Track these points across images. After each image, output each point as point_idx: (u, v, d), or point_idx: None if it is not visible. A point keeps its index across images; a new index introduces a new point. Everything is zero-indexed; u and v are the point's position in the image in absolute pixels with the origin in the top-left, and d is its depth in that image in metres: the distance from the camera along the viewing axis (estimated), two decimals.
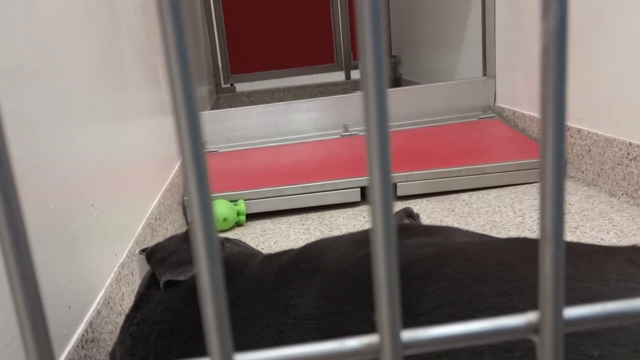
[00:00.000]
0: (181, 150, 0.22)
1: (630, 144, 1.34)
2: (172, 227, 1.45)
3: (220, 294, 0.22)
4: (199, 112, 0.21)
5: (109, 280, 0.96)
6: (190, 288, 0.72)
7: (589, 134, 1.51)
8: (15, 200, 0.22)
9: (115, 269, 1.00)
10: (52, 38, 0.86)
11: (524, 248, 0.61)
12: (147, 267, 0.85)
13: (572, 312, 0.20)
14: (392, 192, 0.22)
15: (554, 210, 0.18)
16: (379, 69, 0.20)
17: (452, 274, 0.58)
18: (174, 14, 0.19)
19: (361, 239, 0.71)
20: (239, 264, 0.74)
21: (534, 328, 0.20)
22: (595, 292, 0.52)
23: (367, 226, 1.43)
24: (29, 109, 0.75)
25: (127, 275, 1.05)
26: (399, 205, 1.56)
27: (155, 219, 1.29)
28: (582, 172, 1.55)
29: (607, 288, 0.52)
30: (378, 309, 0.19)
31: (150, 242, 1.22)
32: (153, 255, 0.81)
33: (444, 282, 0.57)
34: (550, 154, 0.18)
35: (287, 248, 1.37)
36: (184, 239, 0.84)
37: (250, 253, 0.81)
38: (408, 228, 0.85)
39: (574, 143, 1.57)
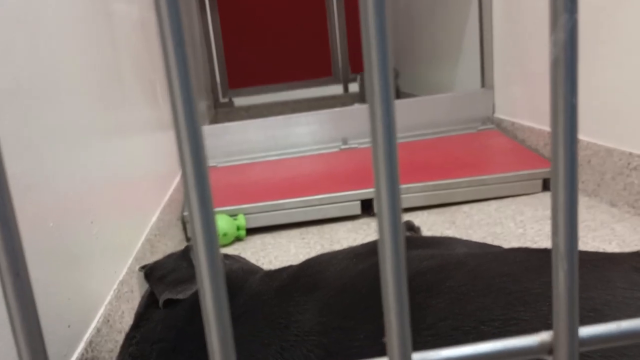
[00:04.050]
0: (183, 167, 0.21)
1: (630, 154, 1.33)
2: (172, 242, 1.44)
3: (224, 312, 0.21)
4: (201, 128, 0.21)
5: (108, 298, 0.95)
6: (190, 306, 0.71)
7: (588, 144, 1.51)
8: (14, 223, 0.22)
9: (115, 286, 0.99)
10: (52, 57, 0.86)
11: (527, 258, 0.60)
12: (147, 285, 0.84)
13: (586, 331, 0.19)
14: (400, 205, 0.21)
15: (567, 226, 0.18)
16: (386, 82, 0.19)
17: (455, 286, 0.57)
18: (174, 31, 0.19)
19: (361, 253, 0.71)
20: (238, 281, 0.73)
21: (548, 348, 0.19)
22: (601, 301, 0.51)
23: (368, 239, 1.43)
24: (29, 127, 0.75)
25: (126, 292, 1.04)
26: None
27: (155, 235, 1.28)
28: (583, 183, 1.54)
29: (613, 297, 0.52)
30: (387, 332, 0.19)
31: (150, 259, 1.21)
32: (151, 273, 0.81)
33: (446, 295, 0.56)
34: (562, 169, 0.17)
35: (287, 262, 1.37)
36: (183, 256, 0.83)
37: (250, 269, 0.81)
38: (408, 240, 0.84)
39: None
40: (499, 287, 0.54)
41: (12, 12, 0.75)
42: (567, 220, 0.18)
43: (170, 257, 0.85)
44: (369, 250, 0.70)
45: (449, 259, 0.62)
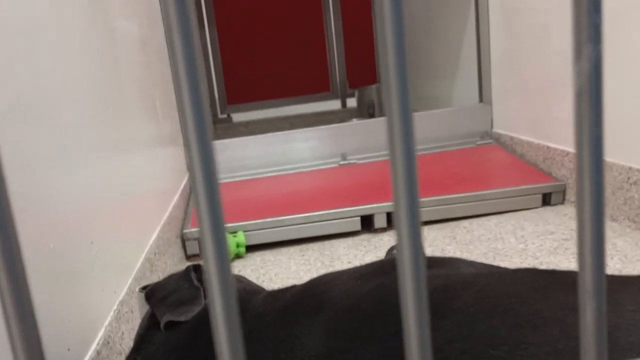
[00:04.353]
0: (194, 183, 0.21)
1: (630, 169, 1.33)
2: (171, 260, 1.43)
3: (237, 335, 0.21)
4: (212, 143, 0.20)
5: (108, 319, 0.94)
6: (193, 328, 0.71)
7: None
8: (17, 251, 0.21)
9: (115, 307, 0.98)
10: (54, 75, 0.86)
11: (534, 279, 0.59)
12: (147, 305, 0.83)
13: None
14: (420, 219, 0.21)
15: (594, 264, 0.17)
16: (404, 94, 0.19)
17: (463, 307, 0.56)
18: (186, 47, 0.18)
19: (366, 273, 0.70)
20: (241, 302, 0.73)
21: None
22: (611, 324, 0.51)
23: (368, 256, 1.42)
24: (29, 146, 0.74)
25: (126, 312, 1.02)
26: None
27: (155, 254, 1.27)
28: None
29: (624, 320, 0.51)
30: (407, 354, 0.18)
31: (150, 278, 1.20)
32: (152, 294, 0.80)
33: (454, 316, 0.56)
34: (589, 205, 0.17)
35: (288, 279, 1.36)
36: (184, 277, 0.82)
37: (253, 289, 0.80)
38: None
39: (574, 168, 1.56)
40: (507, 308, 0.54)
41: (14, 29, 0.75)
42: (594, 258, 0.18)
43: (171, 277, 0.84)
44: (374, 271, 0.69)
45: (455, 278, 0.62)
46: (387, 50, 0.19)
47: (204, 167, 0.20)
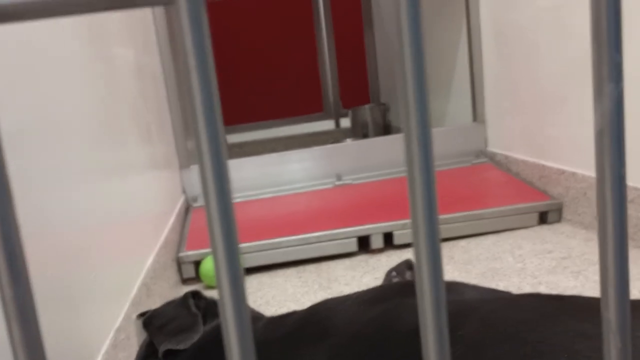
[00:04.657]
0: (207, 203, 0.20)
1: (627, 187, 1.34)
2: (167, 284, 1.42)
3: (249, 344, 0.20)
4: (226, 161, 0.20)
5: (105, 347, 0.93)
6: (192, 356, 0.70)
7: (584, 176, 1.51)
8: (26, 278, 0.21)
9: (112, 334, 0.97)
10: (52, 103, 0.85)
11: (541, 305, 0.59)
12: (144, 333, 0.82)
13: None
14: (439, 237, 0.21)
15: (619, 302, 0.17)
16: (423, 112, 0.19)
17: (468, 334, 0.56)
18: (200, 64, 0.18)
19: (368, 299, 0.69)
20: None
21: None
22: None
23: (366, 277, 1.41)
24: (29, 173, 0.74)
25: (123, 339, 1.01)
26: (396, 255, 1.54)
27: (151, 278, 1.26)
28: (579, 215, 1.54)
29: (634, 346, 0.51)
30: None
31: (147, 303, 1.19)
32: (150, 322, 0.79)
33: (460, 344, 0.55)
34: (612, 244, 0.17)
35: (285, 302, 1.35)
36: (182, 303, 0.81)
37: (253, 316, 0.79)
38: (413, 286, 0.83)
39: (570, 186, 1.57)
40: (513, 335, 0.53)
41: (14, 57, 0.75)
42: (618, 298, 0.17)
43: (169, 304, 0.83)
44: (376, 296, 0.68)
45: (459, 305, 0.61)
46: (405, 67, 0.19)
47: (219, 188, 0.20)
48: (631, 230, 1.34)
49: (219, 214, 0.20)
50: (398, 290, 0.68)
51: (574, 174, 1.54)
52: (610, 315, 0.18)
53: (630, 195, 1.33)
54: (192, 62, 0.17)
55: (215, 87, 0.18)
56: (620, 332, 0.18)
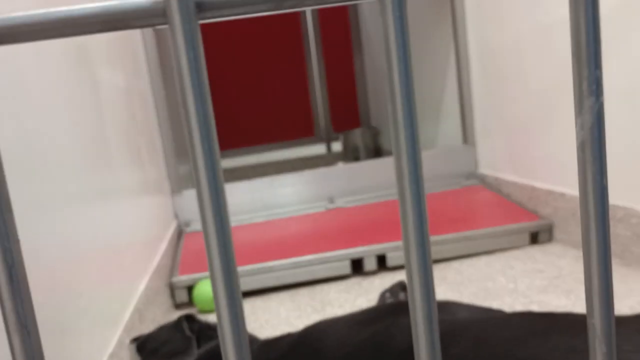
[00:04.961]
0: (205, 227, 0.21)
1: (615, 206, 1.35)
2: (160, 310, 1.41)
3: None
4: (222, 186, 0.21)
5: None
6: None
7: (572, 197, 1.52)
8: (32, 319, 0.21)
9: (105, 359, 0.96)
10: (39, 129, 0.86)
11: (531, 322, 0.59)
12: (138, 357, 0.81)
13: None
14: (431, 258, 0.21)
15: (603, 309, 0.18)
16: (413, 135, 0.19)
17: (461, 353, 0.56)
18: (196, 88, 0.19)
19: (361, 321, 0.69)
20: None
21: None
22: None
23: (359, 299, 1.41)
24: (18, 201, 0.74)
25: None
26: (390, 277, 1.54)
27: (144, 304, 1.26)
28: (569, 235, 1.55)
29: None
30: None
31: (140, 328, 1.18)
32: (144, 346, 0.79)
33: None
34: (595, 252, 0.17)
35: (278, 326, 1.35)
36: (176, 327, 0.81)
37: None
38: (405, 306, 0.83)
39: (559, 207, 1.58)
40: (505, 354, 0.54)
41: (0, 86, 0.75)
42: (602, 304, 0.18)
43: (162, 328, 0.83)
44: (368, 318, 0.69)
45: (452, 324, 0.61)
46: (395, 93, 0.19)
47: (216, 213, 0.20)
48: (619, 248, 1.35)
49: (217, 237, 0.21)
50: (390, 311, 0.68)
51: (562, 194, 1.56)
52: (596, 322, 0.19)
53: (618, 214, 1.34)
54: (187, 82, 0.18)
55: (210, 107, 0.19)
56: (605, 338, 0.18)
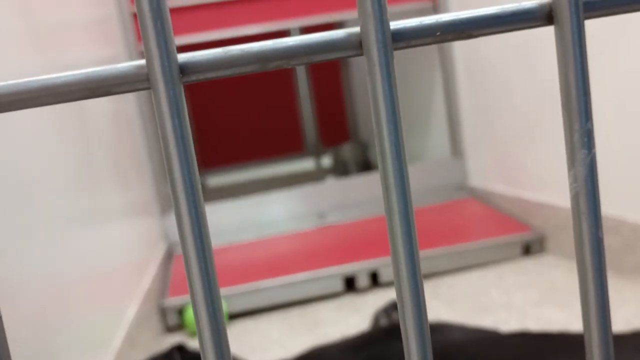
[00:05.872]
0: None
1: (605, 217, 1.35)
2: (151, 333, 1.39)
3: None
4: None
5: None
6: None
7: (562, 208, 1.53)
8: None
9: None
10: (26, 156, 0.85)
11: (525, 343, 0.59)
12: None
13: None
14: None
15: (600, 327, 0.17)
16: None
17: None
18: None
19: (355, 345, 0.69)
20: None
21: None
22: None
23: (353, 317, 1.40)
24: (6, 229, 0.73)
25: None
26: (383, 293, 1.53)
27: (135, 328, 1.24)
28: (561, 246, 1.55)
29: None
30: None
31: (131, 354, 1.17)
32: None
33: None
34: (595, 308, 0.17)
35: (270, 348, 1.33)
36: (167, 356, 0.80)
37: None
38: (397, 327, 0.83)
39: (550, 218, 1.58)
40: None
41: None
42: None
43: (155, 359, 0.81)
44: (362, 342, 0.68)
45: (446, 346, 0.61)
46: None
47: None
48: (615, 259, 1.36)
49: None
50: (383, 335, 0.67)
51: (553, 205, 1.56)
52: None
53: (613, 224, 1.34)
54: (172, 146, 0.17)
55: (195, 167, 0.19)
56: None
